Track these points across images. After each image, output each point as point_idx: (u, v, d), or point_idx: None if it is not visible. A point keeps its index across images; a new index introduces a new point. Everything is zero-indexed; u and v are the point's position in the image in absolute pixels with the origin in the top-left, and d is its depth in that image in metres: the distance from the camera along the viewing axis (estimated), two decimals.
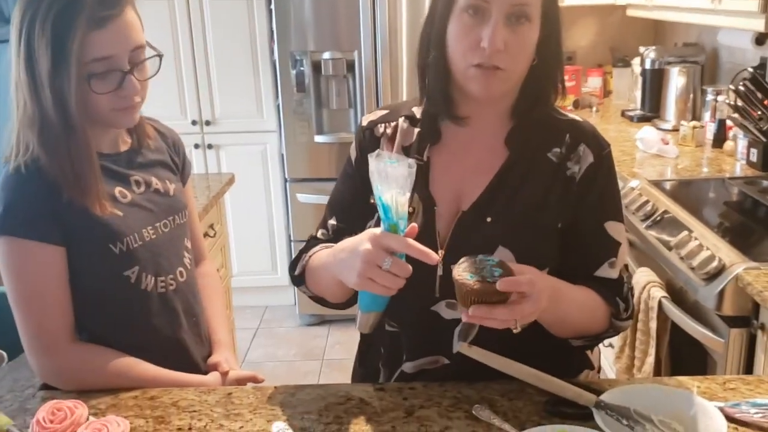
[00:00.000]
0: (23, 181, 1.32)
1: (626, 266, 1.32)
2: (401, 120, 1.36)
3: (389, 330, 1.35)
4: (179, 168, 1.59)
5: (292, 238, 3.99)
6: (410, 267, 1.08)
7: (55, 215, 1.32)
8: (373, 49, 3.59)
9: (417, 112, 1.35)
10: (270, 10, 3.66)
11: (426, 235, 1.25)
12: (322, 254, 1.30)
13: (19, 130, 1.34)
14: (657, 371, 2.08)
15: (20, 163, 1.32)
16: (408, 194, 1.08)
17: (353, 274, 1.09)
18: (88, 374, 1.35)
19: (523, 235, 1.25)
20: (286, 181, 3.88)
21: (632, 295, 1.32)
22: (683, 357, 2.08)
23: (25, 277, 1.33)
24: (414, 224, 1.11)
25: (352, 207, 1.35)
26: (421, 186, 1.29)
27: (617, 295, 1.28)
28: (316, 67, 3.64)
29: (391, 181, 1.07)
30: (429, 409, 1.22)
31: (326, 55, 3.61)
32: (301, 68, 3.64)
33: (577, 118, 1.34)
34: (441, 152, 1.32)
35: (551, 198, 1.27)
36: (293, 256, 1.41)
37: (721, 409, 1.14)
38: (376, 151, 1.10)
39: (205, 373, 1.51)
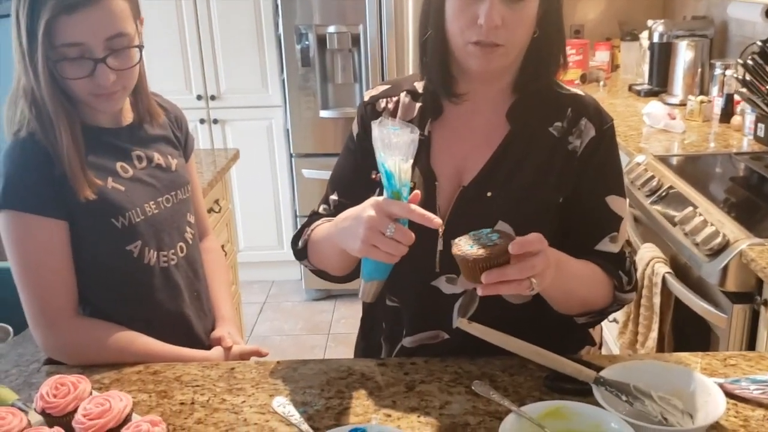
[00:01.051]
0: (24, 153, 1.33)
1: (628, 241, 1.32)
2: (403, 95, 1.35)
3: (390, 305, 1.36)
4: (181, 143, 1.60)
5: (297, 213, 4.00)
6: (412, 234, 1.08)
7: (57, 189, 1.33)
8: (378, 22, 3.56)
9: (419, 87, 1.35)
10: None
11: (427, 208, 1.25)
12: (324, 226, 1.31)
13: (17, 100, 1.35)
14: (660, 347, 2.09)
15: (21, 134, 1.33)
16: (411, 161, 1.08)
17: (357, 241, 1.09)
18: (91, 348, 1.37)
19: (523, 210, 1.25)
20: (291, 156, 3.88)
21: (635, 269, 1.32)
22: (687, 333, 2.08)
23: (27, 250, 1.34)
24: (417, 191, 1.12)
25: (354, 182, 1.35)
26: (423, 161, 1.29)
27: (619, 268, 1.28)
28: (321, 41, 3.62)
29: (394, 148, 1.07)
30: (430, 384, 1.23)
31: (331, 29, 3.59)
32: (306, 42, 3.62)
33: (580, 92, 1.33)
34: (442, 127, 1.32)
35: (552, 172, 1.26)
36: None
37: (721, 386, 1.14)
38: (379, 119, 1.10)
39: (209, 347, 1.52)
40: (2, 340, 1.52)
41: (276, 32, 3.75)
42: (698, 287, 1.94)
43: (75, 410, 1.08)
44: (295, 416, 1.10)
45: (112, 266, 1.41)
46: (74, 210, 1.35)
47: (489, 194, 1.26)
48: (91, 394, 1.14)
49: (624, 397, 1.09)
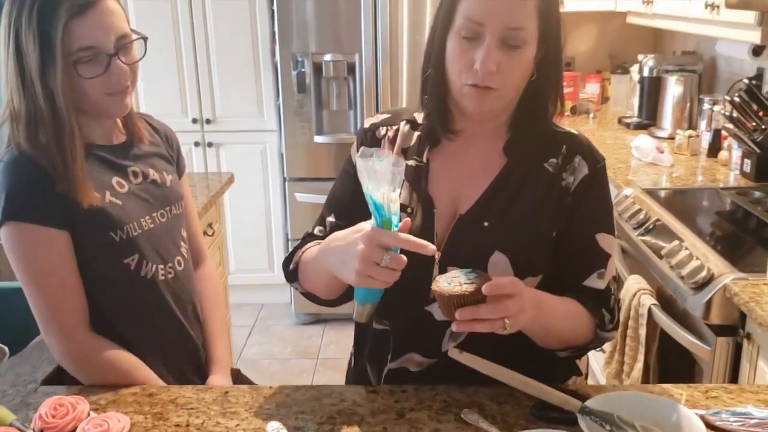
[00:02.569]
0: (21, 167, 1.35)
1: (614, 278, 1.36)
2: (402, 123, 1.40)
3: (379, 328, 1.39)
4: (174, 160, 1.64)
5: (289, 237, 4.03)
6: (405, 258, 1.11)
7: (57, 200, 1.36)
8: (373, 52, 3.62)
9: (418, 117, 1.39)
10: (272, 11, 3.69)
11: (424, 237, 1.28)
12: (313, 249, 1.34)
13: (6, 124, 1.38)
14: (645, 377, 2.12)
15: (13, 153, 1.36)
16: (398, 190, 1.11)
17: (351, 273, 1.12)
18: (100, 365, 1.40)
19: (519, 241, 1.29)
20: (285, 180, 3.92)
21: (619, 308, 1.36)
22: (671, 364, 2.12)
23: (34, 260, 1.37)
24: (407, 219, 1.15)
25: (351, 205, 1.38)
26: (421, 187, 1.33)
27: (603, 306, 1.32)
28: (317, 68, 3.67)
29: (380, 178, 1.09)
30: (419, 412, 1.25)
31: (327, 57, 3.65)
32: (303, 69, 3.67)
33: (574, 131, 1.38)
34: (440, 155, 1.36)
35: (547, 206, 1.30)
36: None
37: (702, 417, 1.17)
38: (361, 149, 1.12)
39: (203, 354, 1.57)
40: None
41: (273, 59, 3.81)
42: (683, 319, 1.97)
43: (73, 431, 1.10)
44: None
45: (110, 279, 1.44)
46: (74, 223, 1.38)
47: (486, 224, 1.30)
48: (89, 415, 1.17)
49: (608, 427, 1.12)
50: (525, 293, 1.13)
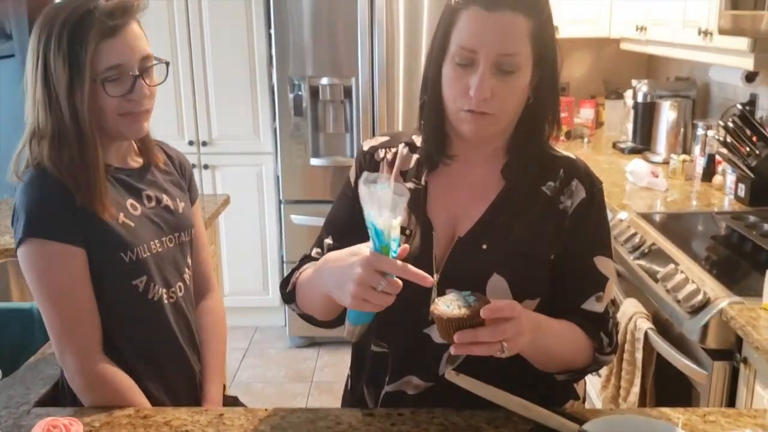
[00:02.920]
0: (40, 185, 1.38)
1: (612, 301, 1.36)
2: (401, 146, 1.40)
3: (376, 350, 1.38)
4: (186, 188, 1.65)
5: (284, 259, 4.02)
6: (401, 283, 1.11)
7: (74, 218, 1.38)
8: (370, 75, 3.64)
9: (417, 140, 1.40)
10: (269, 35, 3.72)
11: (422, 259, 1.29)
12: (309, 271, 1.33)
13: (29, 144, 1.40)
14: (642, 401, 2.11)
15: (32, 173, 1.39)
16: (399, 218, 1.11)
17: (347, 296, 1.12)
18: (105, 388, 1.40)
19: (517, 264, 1.29)
20: (280, 202, 3.92)
21: (617, 331, 1.36)
22: (668, 388, 2.11)
23: (53, 278, 1.38)
24: (406, 245, 1.15)
25: (349, 227, 1.38)
26: (419, 210, 1.33)
27: (601, 329, 1.31)
28: (314, 91, 3.69)
29: (382, 204, 1.09)
30: None
31: (324, 81, 3.67)
32: (299, 93, 3.69)
33: (571, 155, 1.38)
34: (438, 178, 1.36)
35: (545, 229, 1.31)
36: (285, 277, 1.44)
37: None
38: (364, 175, 1.12)
39: (197, 375, 1.58)
40: None
41: (269, 82, 3.82)
42: (680, 343, 1.97)
43: None
44: None
45: (118, 299, 1.45)
46: (89, 241, 1.40)
47: (484, 246, 1.30)
48: None
49: None
50: (523, 316, 1.13)
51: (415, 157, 1.38)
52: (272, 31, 3.65)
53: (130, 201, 1.48)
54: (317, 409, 1.34)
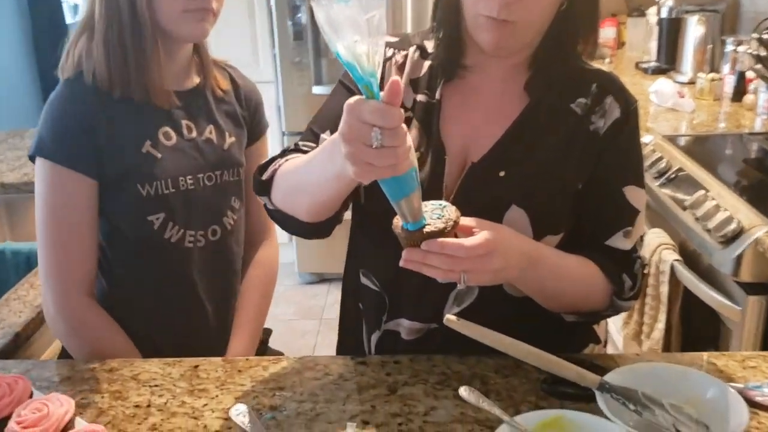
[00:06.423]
0: (64, 103, 1.29)
1: (641, 238, 1.19)
2: (412, 50, 1.21)
3: (373, 289, 1.22)
4: (246, 123, 1.47)
5: None
6: (404, 127, 0.85)
7: (90, 144, 1.28)
8: None
9: (428, 45, 1.20)
10: None
11: (431, 186, 1.12)
12: (304, 156, 1.10)
13: (77, 40, 1.31)
14: (667, 339, 1.96)
15: (62, 85, 1.30)
16: (373, 40, 0.83)
17: (342, 162, 0.88)
18: (87, 338, 1.30)
19: (539, 194, 1.11)
20: (283, 134, 3.73)
21: (644, 274, 1.19)
22: (695, 325, 1.95)
23: (52, 202, 1.30)
24: (395, 79, 0.83)
25: None
26: (433, 130, 1.15)
27: (625, 270, 1.15)
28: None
29: (344, 28, 0.82)
30: (414, 387, 1.10)
31: None
32: (299, 15, 3.46)
33: (604, 68, 1.19)
34: (453, 92, 1.17)
35: (572, 154, 1.13)
36: None
37: (740, 392, 1.01)
38: None
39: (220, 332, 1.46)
40: None
41: (268, 4, 3.59)
42: (709, 276, 1.81)
43: (9, 416, 0.95)
44: (259, 427, 0.96)
45: (127, 234, 1.33)
46: (103, 170, 1.29)
47: (501, 174, 1.12)
48: (31, 395, 1.02)
49: (632, 406, 0.96)
50: (499, 251, 0.96)
51: (427, 64, 1.19)
52: None
53: (164, 129, 1.33)
54: (304, 358, 1.20)
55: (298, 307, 3.71)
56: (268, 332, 1.58)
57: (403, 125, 0.85)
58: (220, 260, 1.43)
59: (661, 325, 1.96)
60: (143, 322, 1.37)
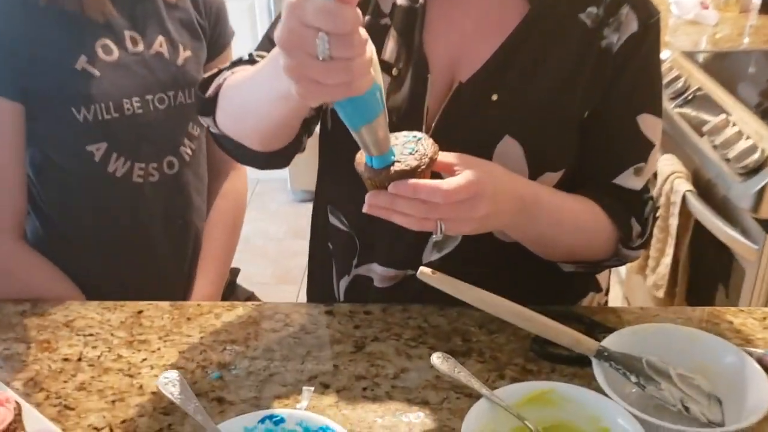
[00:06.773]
0: None
1: (654, 175, 1.02)
2: None
3: (343, 230, 1.07)
4: (206, 34, 1.27)
5: None
6: (363, 36, 0.64)
7: (11, 61, 1.10)
8: None
9: None
10: None
11: (412, 110, 0.95)
12: (250, 69, 0.91)
13: None
14: (673, 275, 1.82)
15: None
16: None
17: (284, 77, 0.67)
18: (21, 283, 1.15)
19: (539, 123, 0.95)
20: None
21: (655, 218, 1.03)
22: (705, 261, 1.81)
23: None
24: None
25: None
26: (412, 41, 0.96)
27: (634, 213, 0.98)
28: None
29: None
30: (384, 343, 0.96)
31: None
32: None
33: None
34: None
35: (580, 75, 0.94)
36: None
37: (761, 360, 0.87)
38: None
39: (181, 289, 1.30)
40: None
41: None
42: (725, 210, 1.65)
43: None
44: (191, 399, 0.80)
45: (66, 166, 1.16)
46: (29, 91, 1.11)
47: (494, 97, 0.94)
48: None
49: (633, 378, 0.82)
50: (487, 196, 0.80)
51: None
52: None
53: (102, 42, 1.13)
54: (263, 305, 1.06)
55: (290, 225, 3.58)
56: (235, 272, 1.43)
57: (362, 30, 0.65)
58: (177, 197, 1.26)
59: (667, 260, 1.82)
60: (84, 271, 1.21)
